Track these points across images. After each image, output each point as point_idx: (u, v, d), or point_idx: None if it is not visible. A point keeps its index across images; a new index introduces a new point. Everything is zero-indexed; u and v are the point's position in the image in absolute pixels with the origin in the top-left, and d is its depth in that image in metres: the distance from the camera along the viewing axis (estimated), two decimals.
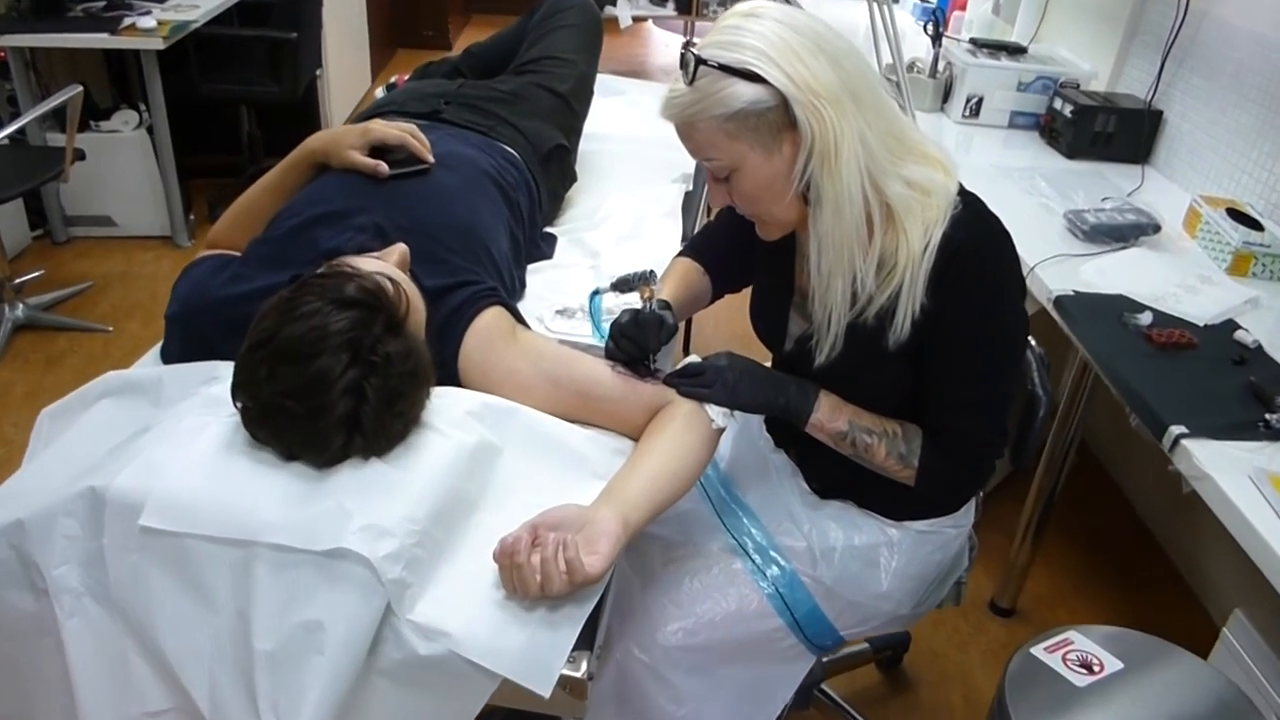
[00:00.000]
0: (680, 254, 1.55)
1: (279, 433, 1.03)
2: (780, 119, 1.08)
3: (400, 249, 1.23)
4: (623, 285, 1.41)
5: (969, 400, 1.22)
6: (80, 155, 3.15)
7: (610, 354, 1.28)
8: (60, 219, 3.76)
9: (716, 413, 1.24)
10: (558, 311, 1.58)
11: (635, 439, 1.27)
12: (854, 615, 1.43)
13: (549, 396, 1.26)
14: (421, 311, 1.20)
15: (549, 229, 1.89)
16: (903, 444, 1.26)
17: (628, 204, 1.98)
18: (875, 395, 1.28)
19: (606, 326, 1.36)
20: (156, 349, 1.39)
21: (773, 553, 1.41)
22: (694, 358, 1.29)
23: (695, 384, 1.25)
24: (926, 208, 1.14)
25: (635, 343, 1.26)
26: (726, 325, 3.24)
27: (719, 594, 1.39)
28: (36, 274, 3.41)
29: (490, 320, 1.29)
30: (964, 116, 2.81)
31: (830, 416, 1.26)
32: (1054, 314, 1.82)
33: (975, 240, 1.14)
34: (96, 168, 3.56)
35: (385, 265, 1.17)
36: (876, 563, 1.41)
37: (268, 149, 4.35)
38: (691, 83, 1.07)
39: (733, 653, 1.40)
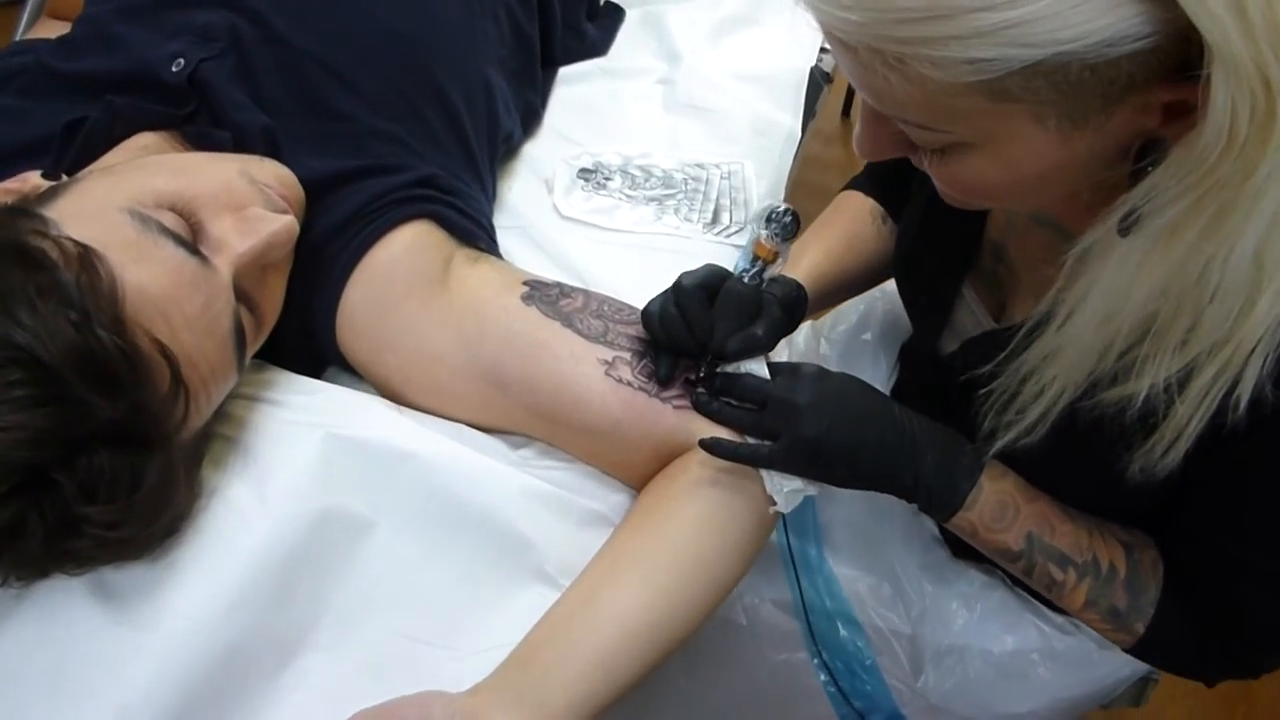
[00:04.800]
0: (852, 184, 0.91)
1: None
2: (1146, 72, 0.44)
3: (281, 227, 0.62)
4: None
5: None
6: None
7: (649, 325, 0.70)
8: None
9: (778, 485, 0.68)
10: (581, 173, 0.97)
11: (635, 487, 0.73)
12: None
13: (488, 407, 0.72)
14: (215, 394, 0.61)
15: None
16: (1123, 593, 0.67)
17: None
18: (1084, 495, 0.68)
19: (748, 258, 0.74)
20: None
21: (845, 631, 0.89)
22: (757, 363, 0.70)
23: (743, 423, 0.68)
24: None
25: (690, 328, 0.68)
26: None
27: (755, 683, 0.90)
28: None
29: (402, 250, 0.72)
30: None
31: (995, 519, 0.67)
32: None
33: None
34: None
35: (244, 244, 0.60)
36: (1023, 675, 0.87)
37: None
38: None
39: None
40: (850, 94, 2.27)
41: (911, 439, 0.66)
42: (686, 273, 0.70)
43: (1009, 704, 0.88)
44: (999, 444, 0.60)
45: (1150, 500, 0.62)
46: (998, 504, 0.67)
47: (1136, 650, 0.69)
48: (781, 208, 0.68)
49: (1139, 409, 0.54)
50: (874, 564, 0.90)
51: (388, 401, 0.72)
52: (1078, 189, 0.52)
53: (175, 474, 0.54)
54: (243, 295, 0.61)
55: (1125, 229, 0.49)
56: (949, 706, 0.88)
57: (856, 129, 0.57)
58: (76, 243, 0.51)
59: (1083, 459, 0.60)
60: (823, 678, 0.88)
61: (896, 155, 0.56)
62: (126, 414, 0.50)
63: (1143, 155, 0.48)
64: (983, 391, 0.61)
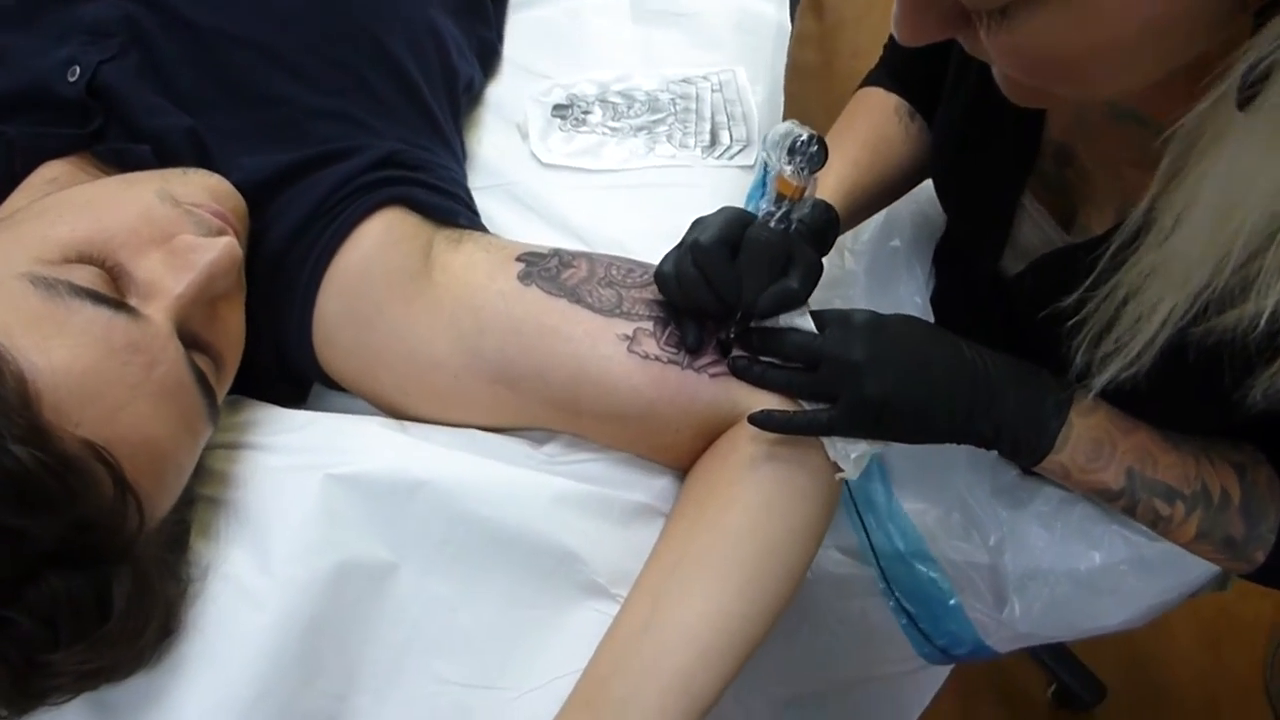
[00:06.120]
0: (870, 80, 0.80)
1: None
2: None
3: (219, 254, 0.52)
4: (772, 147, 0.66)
5: None
6: None
7: (666, 288, 0.61)
8: None
9: (843, 451, 0.60)
10: (556, 110, 0.86)
11: (679, 469, 0.65)
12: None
13: (501, 408, 0.63)
14: (187, 463, 0.52)
15: None
16: (1239, 521, 0.59)
17: None
18: (1191, 421, 0.60)
19: (769, 197, 0.63)
20: None
21: (924, 568, 0.82)
22: (799, 315, 0.61)
23: (793, 386, 0.59)
24: None
25: (714, 288, 0.58)
26: None
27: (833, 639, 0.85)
28: None
29: (374, 246, 0.62)
30: None
31: (1089, 458, 0.59)
32: None
33: None
34: None
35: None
36: (1114, 590, 0.81)
37: None
38: None
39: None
40: None
41: (986, 382, 0.58)
42: (700, 222, 0.60)
43: (1100, 620, 0.82)
44: (1098, 383, 0.52)
45: (1269, 421, 0.54)
46: (1091, 442, 0.59)
47: (1255, 576, 0.62)
48: (805, 135, 0.58)
49: (1264, 328, 0.45)
50: (940, 495, 0.82)
51: (386, 419, 0.64)
52: (1175, 65, 0.42)
53: (148, 580, 0.46)
54: (192, 340, 0.52)
55: (1248, 97, 0.39)
56: (1036, 633, 0.82)
57: (895, 9, 0.46)
58: None
59: (1193, 387, 0.52)
60: (903, 621, 0.82)
61: (945, 36, 0.46)
62: (69, 532, 0.42)
63: (1267, 7, 0.38)
64: (1071, 322, 0.52)
